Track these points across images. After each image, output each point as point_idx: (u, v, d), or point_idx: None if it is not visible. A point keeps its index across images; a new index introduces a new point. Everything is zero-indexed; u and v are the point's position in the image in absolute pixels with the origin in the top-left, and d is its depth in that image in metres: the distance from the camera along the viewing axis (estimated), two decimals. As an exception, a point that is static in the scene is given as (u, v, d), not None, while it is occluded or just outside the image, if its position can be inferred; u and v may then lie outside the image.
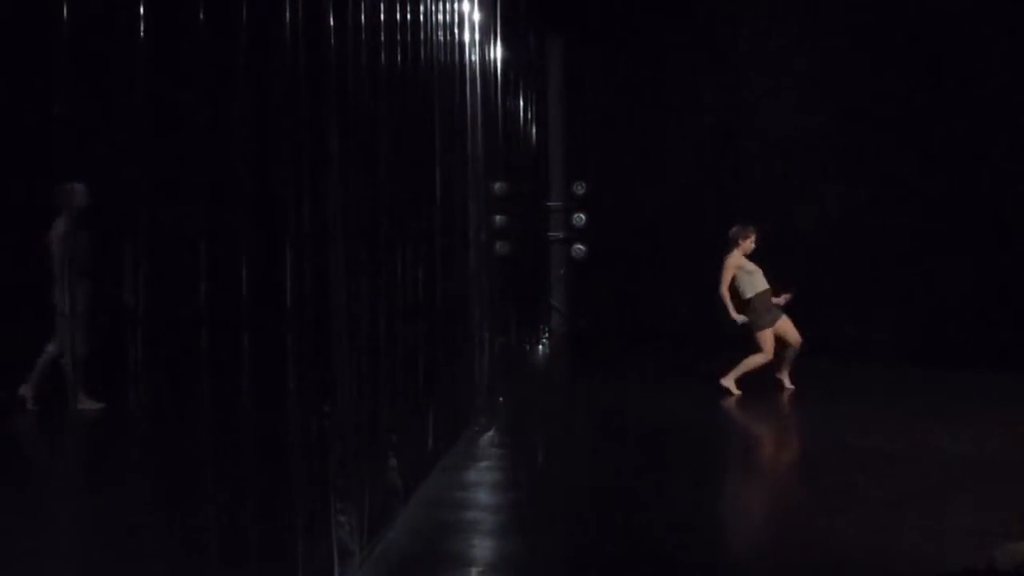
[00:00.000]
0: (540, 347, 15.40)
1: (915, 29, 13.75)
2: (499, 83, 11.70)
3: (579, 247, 15.48)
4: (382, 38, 6.64)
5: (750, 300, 10.93)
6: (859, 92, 14.02)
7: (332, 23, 5.66)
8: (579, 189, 15.63)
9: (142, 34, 4.29)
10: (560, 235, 15.95)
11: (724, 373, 11.03)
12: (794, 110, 14.55)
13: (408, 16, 7.33)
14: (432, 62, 8.09)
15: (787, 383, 11.12)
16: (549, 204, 16.08)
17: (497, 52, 11.53)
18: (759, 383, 10.91)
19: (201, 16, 4.57)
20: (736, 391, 10.92)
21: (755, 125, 14.95)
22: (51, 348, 8.99)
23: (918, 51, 13.73)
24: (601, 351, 14.56)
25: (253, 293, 5.01)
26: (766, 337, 10.90)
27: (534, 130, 15.00)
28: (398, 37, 7.01)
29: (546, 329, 16.01)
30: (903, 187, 13.86)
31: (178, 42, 4.39)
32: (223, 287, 4.98)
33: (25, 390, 9.05)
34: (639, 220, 15.35)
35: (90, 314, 7.53)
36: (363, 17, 6.21)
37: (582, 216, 15.53)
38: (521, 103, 13.80)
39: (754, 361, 10.94)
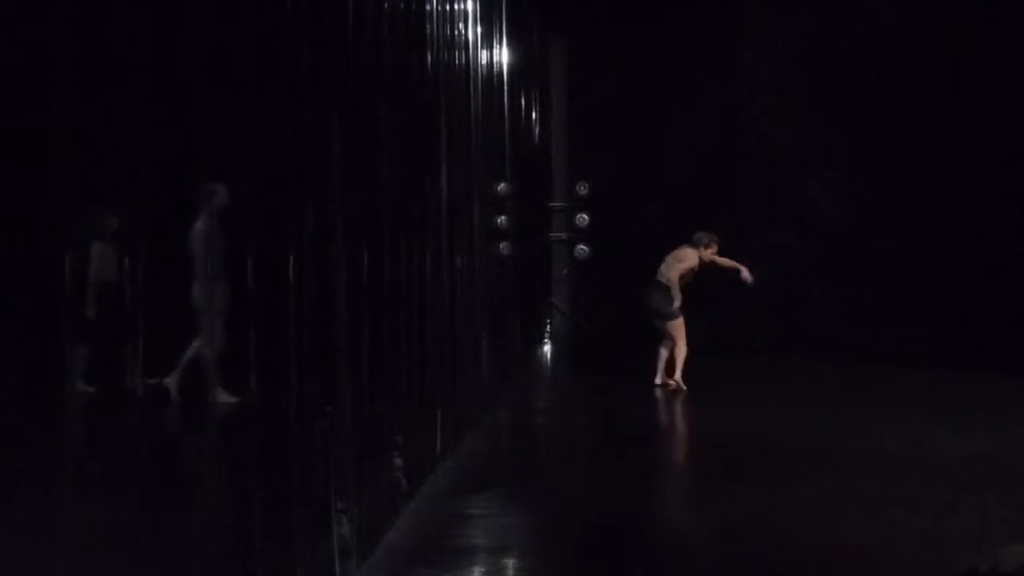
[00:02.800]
0: (543, 347, 15.38)
1: (921, 29, 13.74)
2: (503, 82, 11.69)
3: (582, 247, 15.46)
4: (384, 33, 6.62)
5: (673, 289, 11.22)
6: (863, 92, 13.99)
7: (334, 18, 5.64)
8: (582, 190, 15.60)
9: (144, 32, 4.27)
10: (563, 235, 15.93)
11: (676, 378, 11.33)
12: (798, 110, 14.53)
13: (411, 15, 7.31)
14: (436, 60, 8.07)
15: (661, 378, 11.45)
16: (552, 204, 16.06)
17: (501, 51, 11.50)
18: (757, 384, 10.89)
19: (202, 13, 4.55)
20: (683, 386, 11.18)
21: (759, 125, 14.91)
22: (196, 344, 9.04)
23: (922, 50, 13.71)
24: (603, 351, 14.53)
25: (255, 293, 5.00)
26: (681, 325, 11.21)
27: (537, 130, 14.98)
28: (400, 34, 6.99)
29: (548, 329, 15.98)
30: (905, 187, 13.85)
31: (179, 38, 4.37)
32: (225, 286, 4.97)
33: (170, 381, 9.02)
34: (642, 221, 15.31)
35: (227, 311, 7.69)
36: (366, 13, 6.19)
37: (585, 216, 15.51)
38: (524, 103, 13.77)
39: (666, 351, 11.38)
